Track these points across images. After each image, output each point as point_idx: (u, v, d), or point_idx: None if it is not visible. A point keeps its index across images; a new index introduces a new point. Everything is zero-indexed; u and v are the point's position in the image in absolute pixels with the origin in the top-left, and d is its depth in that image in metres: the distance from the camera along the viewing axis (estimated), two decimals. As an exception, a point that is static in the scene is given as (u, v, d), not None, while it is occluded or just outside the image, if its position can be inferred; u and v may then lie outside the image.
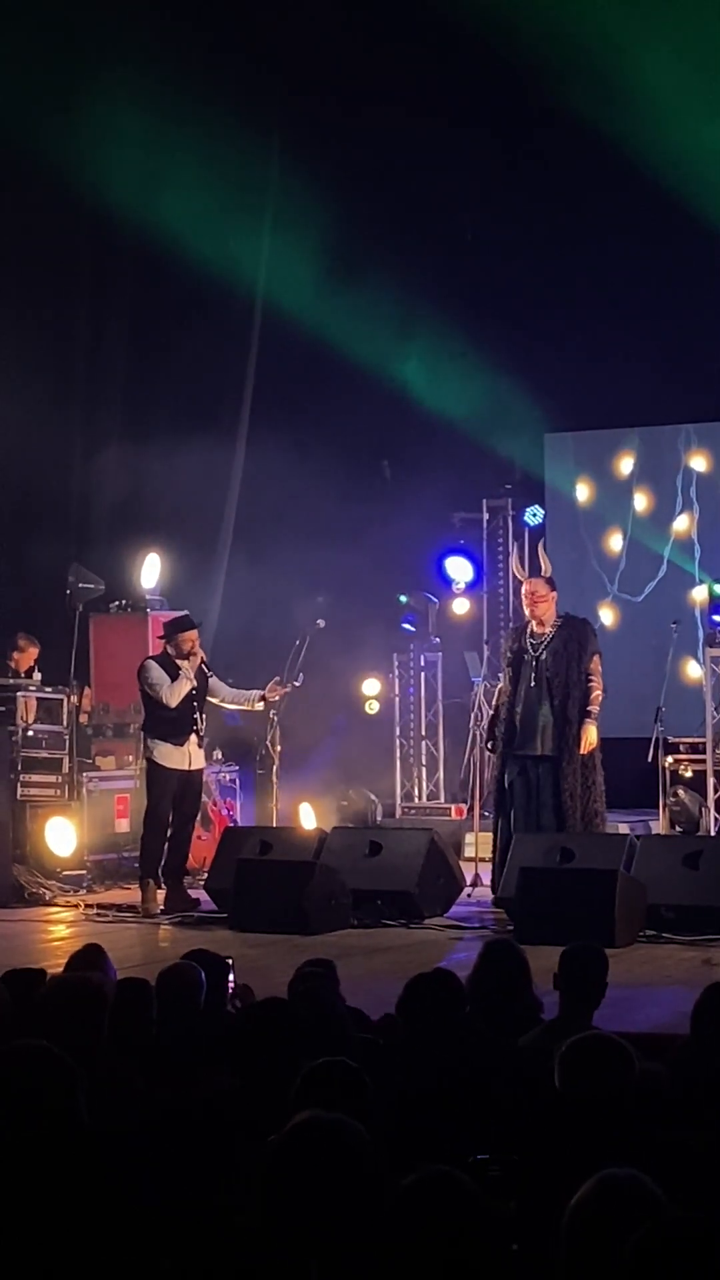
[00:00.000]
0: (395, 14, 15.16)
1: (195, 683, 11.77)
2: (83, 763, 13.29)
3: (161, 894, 11.64)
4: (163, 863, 11.74)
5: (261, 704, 12.35)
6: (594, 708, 11.30)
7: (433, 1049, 5.10)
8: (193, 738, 11.78)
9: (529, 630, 11.55)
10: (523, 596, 11.76)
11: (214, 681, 12.08)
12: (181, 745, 11.73)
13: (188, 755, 11.77)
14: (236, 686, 12.38)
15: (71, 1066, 3.61)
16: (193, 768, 11.83)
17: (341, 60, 15.10)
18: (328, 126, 15.70)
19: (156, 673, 11.78)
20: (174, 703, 11.69)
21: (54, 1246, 3.22)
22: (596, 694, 11.34)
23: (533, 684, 11.34)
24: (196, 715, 11.79)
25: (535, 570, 12.54)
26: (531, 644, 11.47)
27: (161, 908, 11.54)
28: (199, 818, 12.53)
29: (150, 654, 12.42)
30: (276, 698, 12.37)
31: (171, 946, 10.02)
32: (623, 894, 9.96)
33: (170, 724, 11.74)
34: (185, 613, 12.61)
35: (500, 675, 11.91)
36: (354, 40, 14.98)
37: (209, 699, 12.05)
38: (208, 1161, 3.77)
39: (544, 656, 11.37)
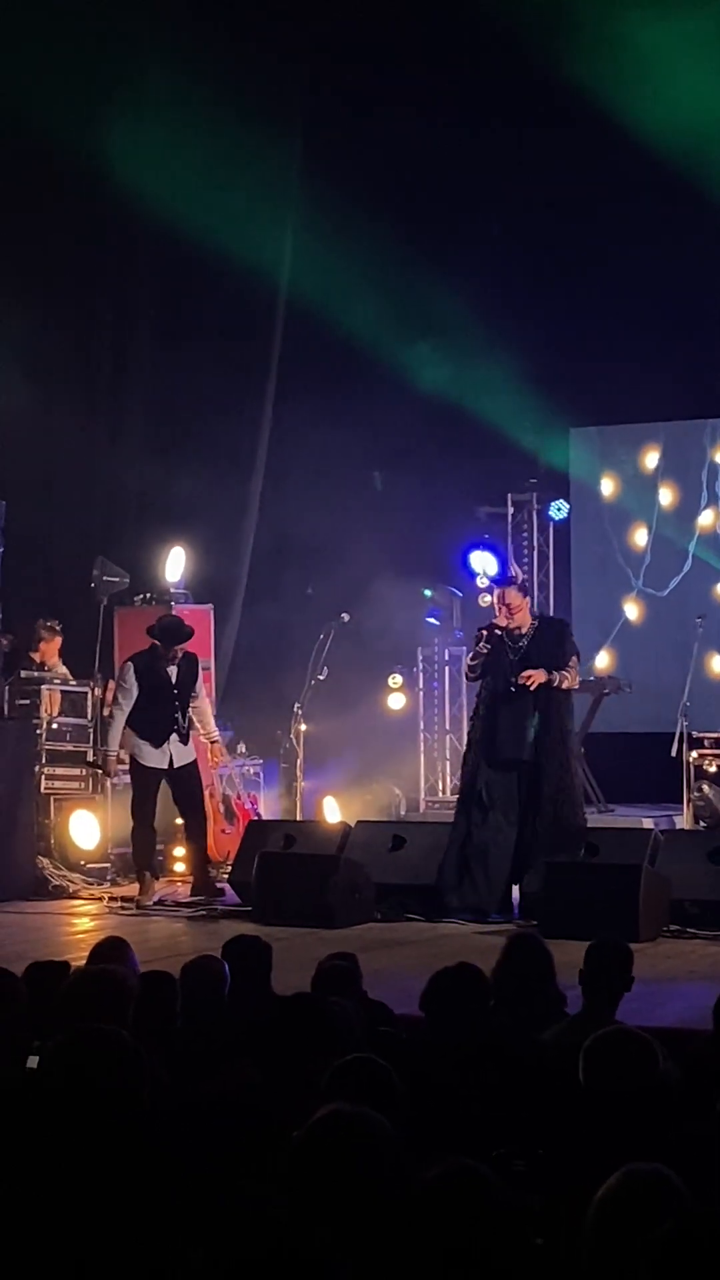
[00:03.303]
0: (418, 8, 15.17)
1: (125, 708, 11.70)
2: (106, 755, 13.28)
3: (158, 885, 11.78)
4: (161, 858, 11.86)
5: (209, 743, 12.13)
6: (557, 677, 11.02)
7: (457, 1043, 5.10)
8: (174, 737, 11.76)
9: (505, 634, 11.22)
10: (496, 606, 11.49)
11: (201, 696, 12.01)
12: (160, 746, 11.72)
13: (168, 755, 11.74)
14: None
15: (141, 1056, 3.68)
16: (176, 766, 11.79)
17: (364, 53, 15.11)
18: (351, 118, 15.68)
19: (128, 677, 11.76)
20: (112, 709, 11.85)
21: (99, 1224, 3.26)
22: (565, 678, 11.06)
23: (514, 688, 11.03)
24: (177, 715, 11.75)
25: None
26: (510, 648, 11.19)
27: (156, 899, 11.61)
28: (224, 811, 12.53)
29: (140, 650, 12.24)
30: (214, 760, 12.27)
31: (194, 940, 10.03)
32: (647, 889, 9.94)
33: (149, 724, 11.73)
34: (177, 618, 12.37)
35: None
36: (377, 31, 14.99)
37: (192, 702, 11.94)
38: (233, 1154, 3.78)
39: (523, 660, 11.10)
